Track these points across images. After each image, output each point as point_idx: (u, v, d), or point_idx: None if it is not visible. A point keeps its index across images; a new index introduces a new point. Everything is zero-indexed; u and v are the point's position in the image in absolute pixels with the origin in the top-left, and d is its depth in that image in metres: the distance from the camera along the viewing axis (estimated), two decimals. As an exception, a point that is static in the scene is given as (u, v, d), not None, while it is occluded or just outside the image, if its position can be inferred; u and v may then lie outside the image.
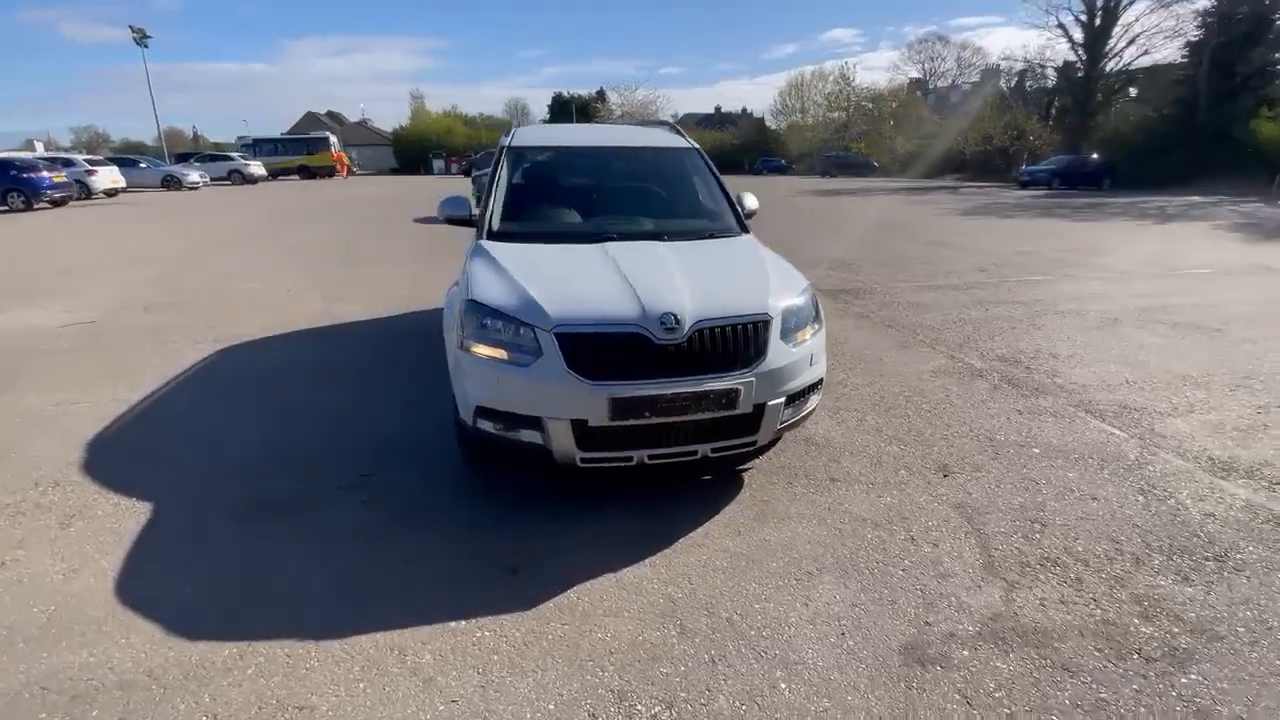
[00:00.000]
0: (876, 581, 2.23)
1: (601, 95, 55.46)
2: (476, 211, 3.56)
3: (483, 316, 2.56)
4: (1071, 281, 7.32)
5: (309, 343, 5.03)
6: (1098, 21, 27.31)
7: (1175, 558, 2.36)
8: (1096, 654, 1.91)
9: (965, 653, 1.91)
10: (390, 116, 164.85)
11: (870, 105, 45.96)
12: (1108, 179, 24.39)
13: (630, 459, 2.46)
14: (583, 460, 2.45)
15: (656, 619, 2.06)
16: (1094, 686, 1.79)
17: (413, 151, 47.84)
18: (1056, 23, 28.64)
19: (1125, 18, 26.62)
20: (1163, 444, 3.25)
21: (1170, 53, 25.45)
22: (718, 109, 68.48)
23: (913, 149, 38.76)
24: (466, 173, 25.57)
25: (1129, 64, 27.22)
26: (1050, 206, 17.79)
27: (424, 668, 1.85)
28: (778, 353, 2.54)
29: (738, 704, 1.73)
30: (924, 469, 3.01)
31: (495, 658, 1.90)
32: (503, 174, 3.61)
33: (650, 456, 2.47)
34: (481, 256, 3.04)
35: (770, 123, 54.06)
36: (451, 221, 3.61)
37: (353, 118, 65.45)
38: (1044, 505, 2.70)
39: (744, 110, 67.68)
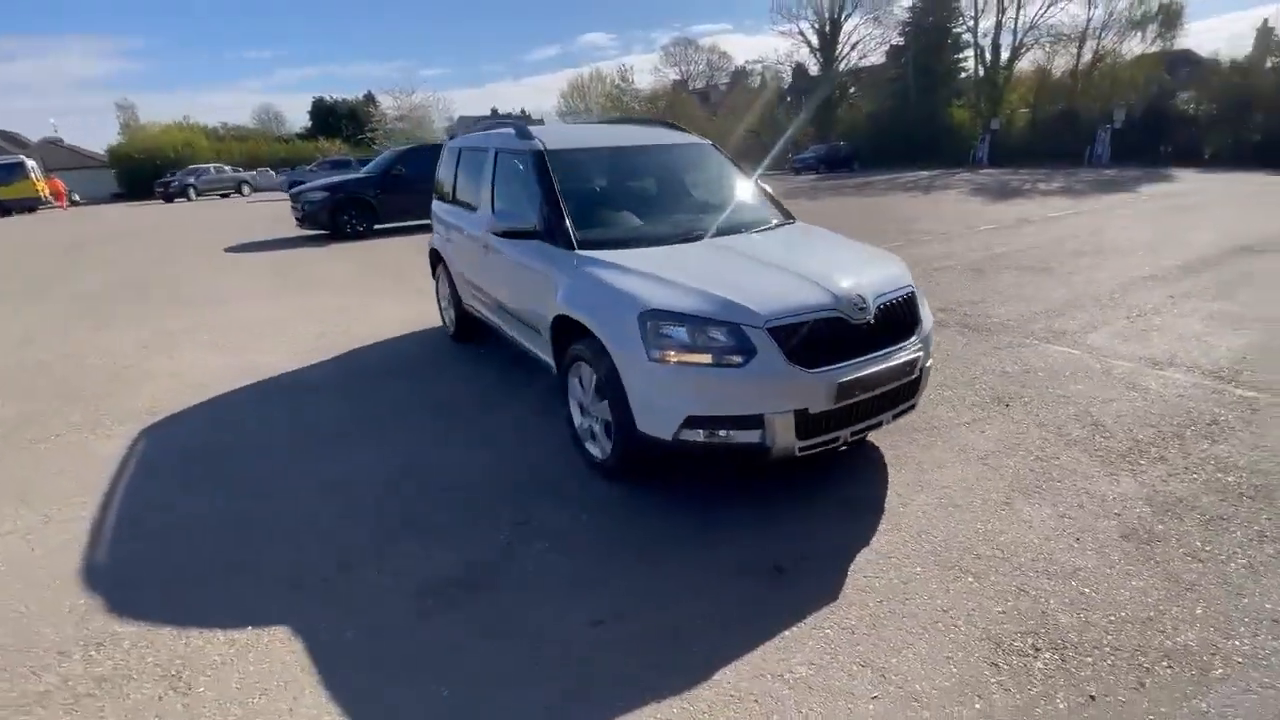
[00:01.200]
0: (1051, 494, 2.67)
1: (371, 99, 51.17)
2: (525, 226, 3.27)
3: (670, 324, 2.47)
4: (917, 245, 8.84)
5: (250, 406, 4.12)
6: (828, 30, 32.70)
7: (1193, 428, 3.17)
8: (1223, 503, 2.54)
9: (1160, 526, 2.42)
10: (94, 132, 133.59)
11: (638, 107, 48.95)
12: (855, 162, 29.38)
13: (838, 440, 2.58)
14: (800, 450, 2.51)
15: (943, 570, 2.24)
16: (1246, 524, 2.40)
17: (141, 173, 39.32)
18: (798, 30, 33.83)
19: (847, 27, 32.34)
20: (1105, 353, 4.24)
21: (884, 56, 31.55)
22: (494, 110, 67.57)
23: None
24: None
25: (854, 65, 33.13)
26: (836, 187, 20.88)
27: (809, 676, 1.82)
28: (926, 319, 2.85)
29: (1071, 613, 2.01)
30: (986, 404, 3.57)
31: (857, 646, 1.93)
32: (549, 180, 3.37)
33: (852, 434, 2.62)
34: (600, 267, 2.89)
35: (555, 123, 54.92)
36: (510, 235, 3.30)
37: (36, 136, 51.63)
38: (1089, 411, 3.40)
39: (522, 111, 68.00)
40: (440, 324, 5.44)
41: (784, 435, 2.44)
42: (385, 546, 2.52)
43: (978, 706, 1.71)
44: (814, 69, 34.03)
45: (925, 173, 24.29)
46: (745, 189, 3.90)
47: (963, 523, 2.51)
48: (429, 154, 12.63)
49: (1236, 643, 1.87)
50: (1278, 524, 2.40)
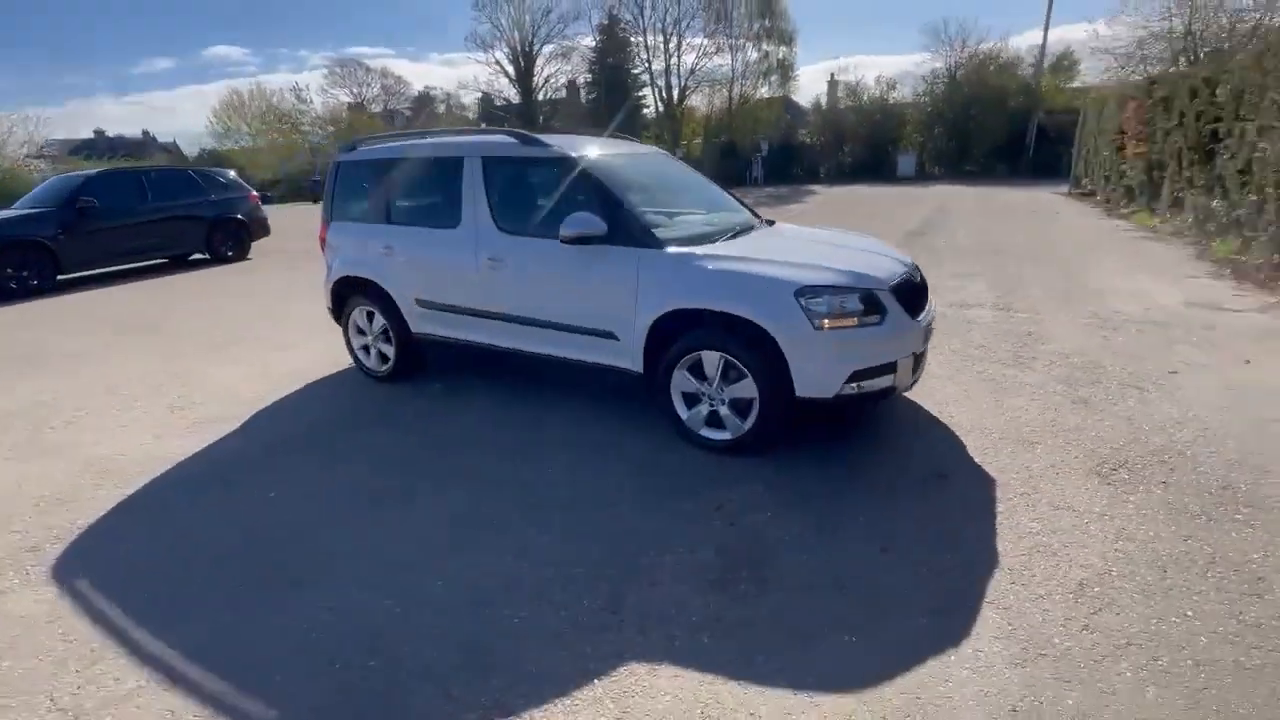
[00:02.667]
0: (1115, 408, 3.76)
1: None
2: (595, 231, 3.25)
3: (820, 297, 2.88)
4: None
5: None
6: (522, 63, 34.39)
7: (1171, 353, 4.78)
8: (1223, 402, 4.00)
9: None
10: None
11: (309, 129, 44.33)
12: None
13: (920, 374, 3.31)
14: (909, 385, 3.16)
15: (1011, 439, 3.14)
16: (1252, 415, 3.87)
17: None
18: (495, 60, 34.75)
19: (540, 60, 34.53)
20: (1054, 320, 5.79)
21: (584, 88, 34.55)
22: (99, 132, 53.25)
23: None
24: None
25: (551, 96, 35.53)
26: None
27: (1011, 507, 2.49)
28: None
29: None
30: (1009, 361, 4.50)
31: (1016, 491, 2.67)
32: (605, 187, 3.39)
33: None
34: (706, 260, 3.16)
35: (209, 144, 45.88)
36: (585, 240, 3.21)
37: None
38: (1100, 362, 4.46)
39: (145, 134, 55.24)
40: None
41: (904, 375, 3.07)
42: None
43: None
44: (515, 97, 35.42)
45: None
46: (715, 188, 4.39)
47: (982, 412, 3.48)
48: (131, 181, 9.98)
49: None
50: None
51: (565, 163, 3.53)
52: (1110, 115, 13.61)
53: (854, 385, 2.92)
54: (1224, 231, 7.79)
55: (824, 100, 32.42)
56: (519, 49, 34.04)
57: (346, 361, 4.93)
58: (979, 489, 2.82)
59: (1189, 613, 2.04)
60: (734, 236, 3.56)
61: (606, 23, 32.12)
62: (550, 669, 1.93)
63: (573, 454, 3.31)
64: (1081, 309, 5.64)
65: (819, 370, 2.90)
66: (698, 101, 31.91)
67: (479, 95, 38.09)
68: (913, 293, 3.20)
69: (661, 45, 30.71)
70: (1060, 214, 12.87)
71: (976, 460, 3.07)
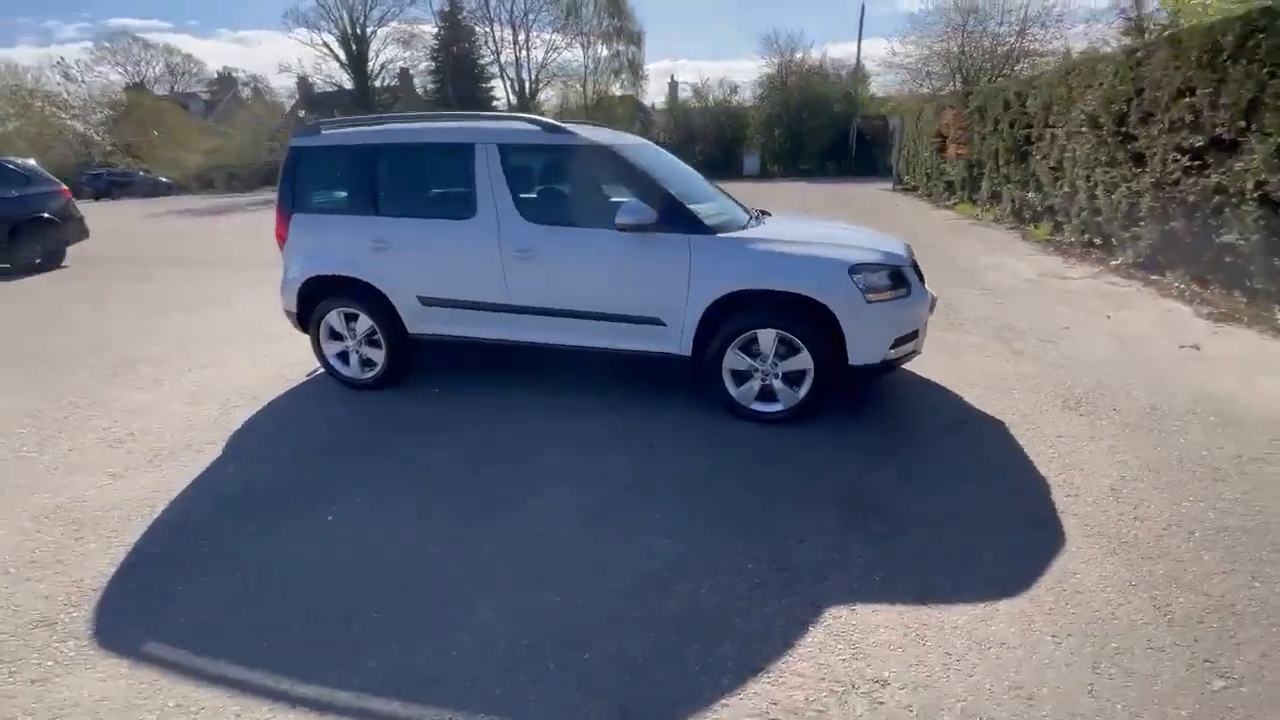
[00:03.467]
0: (1045, 358, 4.52)
1: None
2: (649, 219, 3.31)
3: (866, 274, 3.24)
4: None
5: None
6: (354, 47, 31.57)
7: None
8: (1114, 347, 4.86)
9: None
10: None
11: (79, 112, 37.11)
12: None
13: (921, 340, 3.81)
14: (921, 349, 3.63)
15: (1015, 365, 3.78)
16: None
17: None
18: (322, 42, 31.43)
19: (375, 44, 31.94)
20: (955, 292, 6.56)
21: (428, 77, 32.43)
22: None
23: (204, 162, 34.78)
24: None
25: (388, 83, 33.00)
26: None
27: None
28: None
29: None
30: (946, 328, 5.24)
31: (1016, 425, 3.27)
32: (647, 175, 3.45)
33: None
34: (756, 244, 3.40)
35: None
36: (641, 228, 3.25)
37: None
38: (1011, 323, 5.42)
39: None
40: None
41: (921, 341, 3.54)
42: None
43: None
44: (348, 82, 32.40)
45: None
46: (703, 180, 4.58)
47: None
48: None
49: (1108, 375, 3.99)
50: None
51: (600, 151, 3.53)
52: (928, 121, 16.01)
53: (894, 351, 3.33)
54: (1038, 218, 9.64)
55: (663, 102, 33.94)
56: (349, 31, 31.25)
57: (295, 375, 4.43)
58: (995, 429, 3.37)
59: (1190, 499, 2.68)
60: (750, 224, 3.81)
61: (448, 9, 30.71)
62: (766, 626, 2.04)
63: (637, 442, 3.35)
64: (969, 282, 6.72)
65: (870, 340, 3.25)
66: (552, 95, 31.77)
67: (299, 79, 34.32)
68: (917, 268, 3.69)
69: (510, 37, 30.09)
70: (898, 206, 14.91)
71: (978, 408, 3.64)
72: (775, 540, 2.48)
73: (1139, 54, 6.63)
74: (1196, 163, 5.68)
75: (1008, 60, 32.28)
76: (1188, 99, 5.70)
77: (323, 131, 4.00)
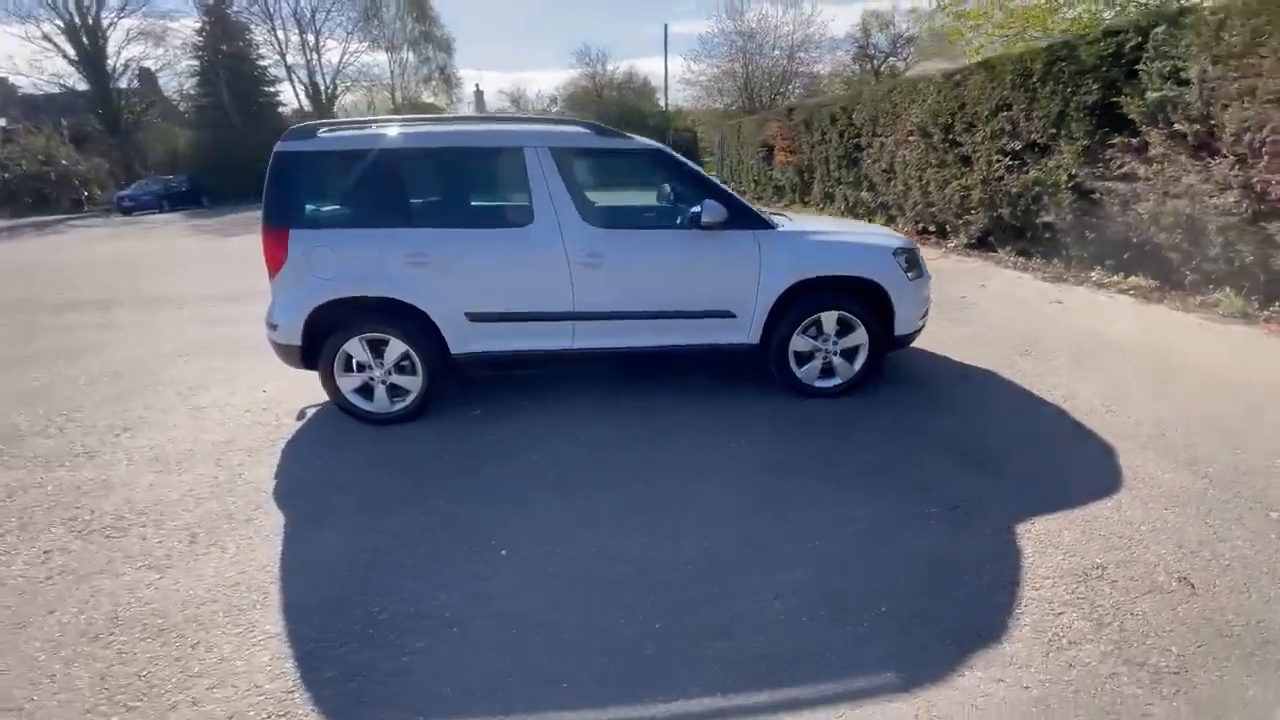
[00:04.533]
0: (978, 321, 5.38)
1: None
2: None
3: (901, 257, 3.77)
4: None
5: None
6: (87, 41, 25.64)
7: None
8: (1012, 309, 5.88)
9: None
10: None
11: None
12: (205, 197, 25.63)
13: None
14: (923, 322, 4.29)
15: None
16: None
17: None
18: (41, 34, 24.85)
19: (117, 38, 26.24)
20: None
21: (195, 79, 27.27)
22: None
23: None
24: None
25: (133, 84, 27.37)
26: (221, 226, 18.23)
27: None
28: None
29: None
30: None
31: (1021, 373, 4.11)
32: (707, 177, 3.61)
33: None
34: (809, 235, 3.80)
35: None
36: (718, 226, 3.40)
37: None
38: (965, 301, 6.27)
39: None
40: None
41: (929, 317, 4.19)
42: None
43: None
44: (82, 84, 26.19)
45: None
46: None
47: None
48: None
49: (1029, 328, 5.06)
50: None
51: (658, 155, 3.60)
52: (751, 132, 17.91)
53: (920, 322, 3.91)
54: (871, 214, 11.44)
55: (474, 112, 33.19)
56: (78, 22, 25.44)
57: (274, 418, 3.83)
58: (992, 377, 4.14)
59: (1137, 391, 3.62)
60: (783, 220, 4.16)
61: (212, 3, 26.58)
62: (988, 550, 2.40)
63: (732, 431, 3.51)
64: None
65: (909, 313, 3.79)
66: (357, 102, 29.16)
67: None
68: None
69: (299, 39, 27.00)
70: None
71: (966, 363, 4.40)
72: (928, 488, 2.85)
73: (956, 77, 8.30)
74: (1017, 162, 7.32)
75: (784, 80, 37.20)
76: (1006, 112, 7.33)
77: (320, 135, 3.49)
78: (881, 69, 44.13)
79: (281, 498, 2.98)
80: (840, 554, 2.43)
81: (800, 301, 3.66)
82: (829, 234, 3.83)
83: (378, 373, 3.58)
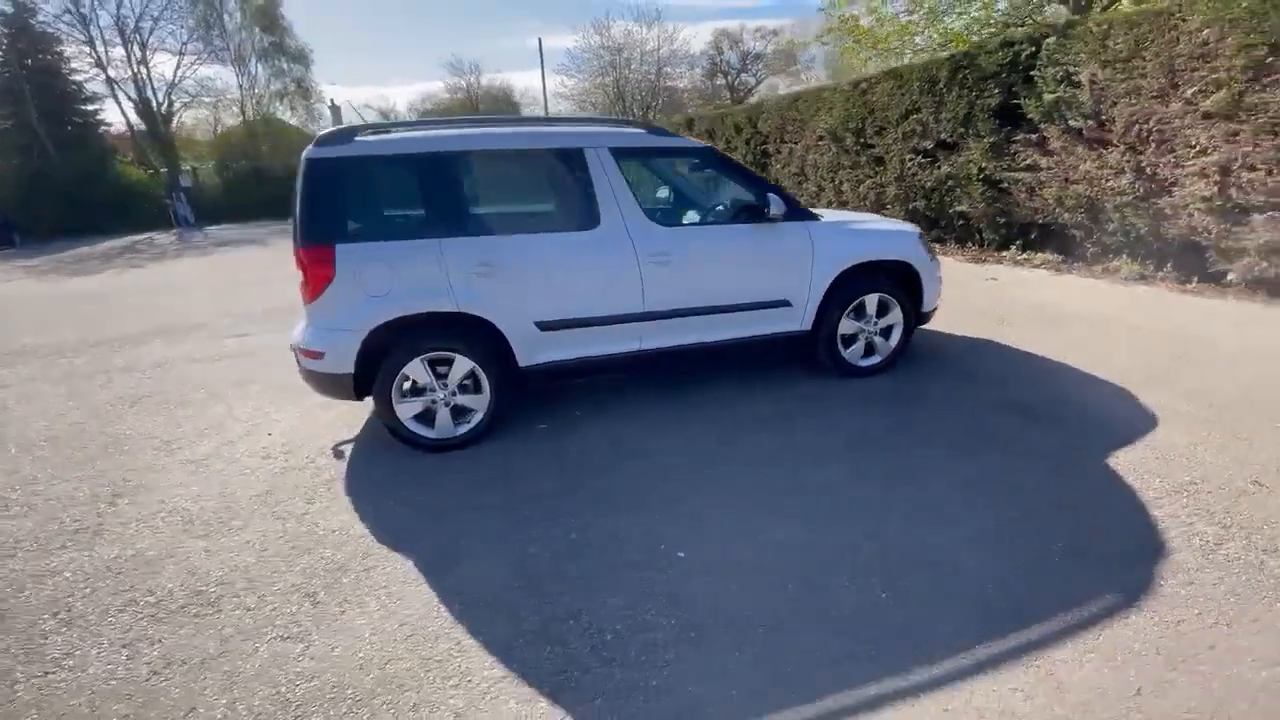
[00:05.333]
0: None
1: None
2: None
3: (921, 240, 4.12)
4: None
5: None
6: None
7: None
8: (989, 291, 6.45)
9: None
10: None
11: None
12: (16, 234, 21.65)
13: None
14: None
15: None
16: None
17: None
18: None
19: None
20: None
21: None
22: None
23: None
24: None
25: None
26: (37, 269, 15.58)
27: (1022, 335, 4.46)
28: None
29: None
30: None
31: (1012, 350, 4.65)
32: (753, 173, 3.74)
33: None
34: (846, 224, 4.06)
35: None
36: (784, 219, 3.53)
37: None
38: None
39: None
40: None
41: (937, 293, 4.60)
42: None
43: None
44: None
45: (127, 239, 20.84)
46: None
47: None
48: None
49: (989, 301, 5.71)
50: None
51: (707, 152, 3.65)
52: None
53: (938, 300, 4.29)
54: (784, 212, 12.22)
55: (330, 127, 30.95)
56: None
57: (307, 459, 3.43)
58: (993, 346, 4.62)
59: (1102, 343, 4.25)
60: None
61: (11, 11, 22.51)
62: (1095, 486, 2.72)
63: (790, 420, 3.64)
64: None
65: (932, 291, 4.14)
66: (201, 120, 26.00)
67: None
68: None
69: (123, 51, 23.61)
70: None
71: (962, 335, 4.88)
72: (1014, 444, 3.15)
73: (863, 86, 9.15)
74: (929, 159, 8.20)
75: (653, 94, 38.58)
76: (916, 116, 8.19)
77: (359, 139, 3.15)
78: (735, 84, 47.24)
79: (388, 542, 2.65)
80: (980, 511, 2.62)
81: (845, 287, 3.88)
82: (860, 223, 4.10)
83: (441, 394, 3.30)
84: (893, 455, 3.12)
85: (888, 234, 4.09)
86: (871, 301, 3.95)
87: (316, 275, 3.07)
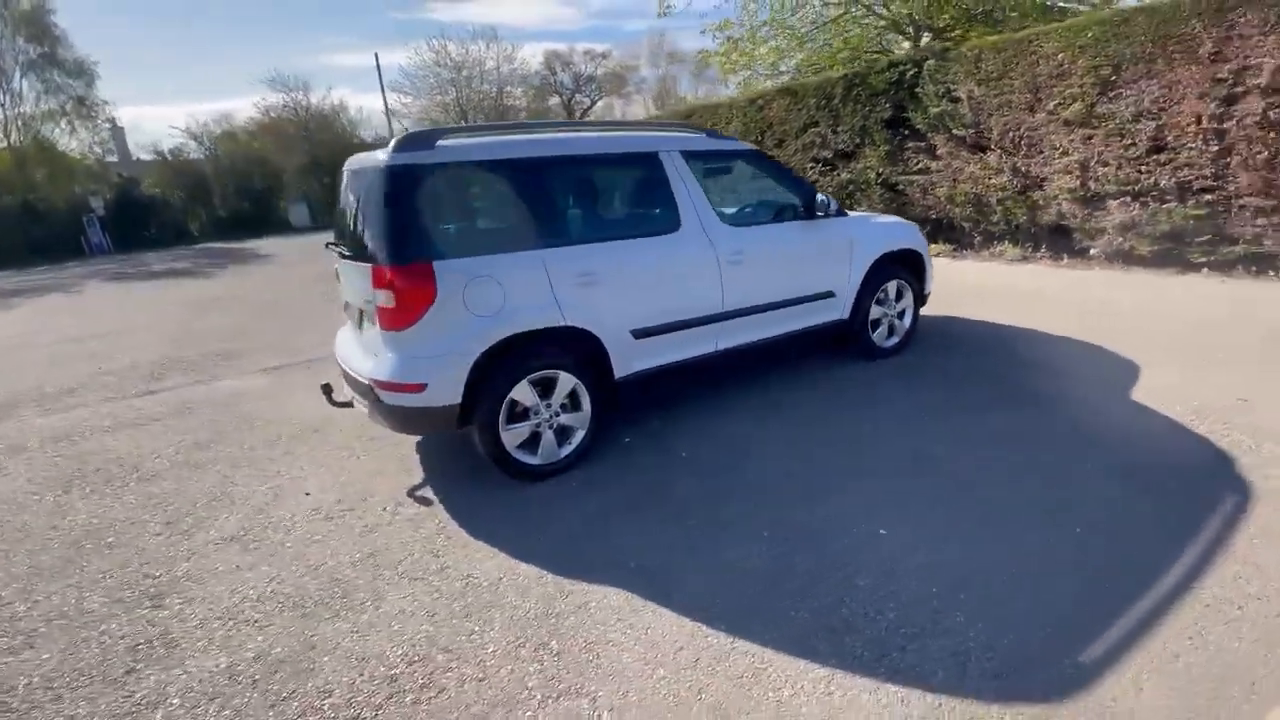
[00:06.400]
0: None
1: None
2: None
3: (919, 231, 4.62)
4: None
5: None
6: None
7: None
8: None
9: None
10: None
11: None
12: None
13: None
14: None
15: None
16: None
17: None
18: None
19: None
20: None
21: None
22: None
23: None
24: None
25: None
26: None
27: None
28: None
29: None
30: None
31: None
32: (790, 172, 3.95)
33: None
34: (866, 217, 4.39)
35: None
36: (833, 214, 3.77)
37: None
38: None
39: None
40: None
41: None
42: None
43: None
44: None
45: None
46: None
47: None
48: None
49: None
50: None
51: (757, 154, 3.78)
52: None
53: (932, 282, 4.83)
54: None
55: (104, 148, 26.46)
56: None
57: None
58: (970, 320, 5.27)
59: (1084, 320, 5.12)
60: None
61: None
62: (1122, 439, 3.28)
63: (857, 409, 3.91)
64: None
65: (930, 275, 4.65)
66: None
67: None
68: None
69: None
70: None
71: (936, 315, 5.51)
72: (1057, 403, 3.65)
73: (760, 102, 9.91)
74: (830, 167, 9.11)
75: (499, 115, 37.97)
76: (815, 128, 9.07)
77: (438, 144, 2.82)
78: (571, 103, 48.26)
79: (577, 575, 2.41)
80: (1074, 459, 3.03)
81: (875, 276, 4.23)
82: (874, 218, 4.51)
83: (544, 415, 3.05)
84: (964, 416, 3.48)
85: (900, 226, 4.54)
86: (892, 288, 4.36)
87: (414, 297, 2.69)
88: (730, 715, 1.76)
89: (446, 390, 2.78)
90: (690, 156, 3.52)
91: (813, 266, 3.95)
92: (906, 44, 11.67)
